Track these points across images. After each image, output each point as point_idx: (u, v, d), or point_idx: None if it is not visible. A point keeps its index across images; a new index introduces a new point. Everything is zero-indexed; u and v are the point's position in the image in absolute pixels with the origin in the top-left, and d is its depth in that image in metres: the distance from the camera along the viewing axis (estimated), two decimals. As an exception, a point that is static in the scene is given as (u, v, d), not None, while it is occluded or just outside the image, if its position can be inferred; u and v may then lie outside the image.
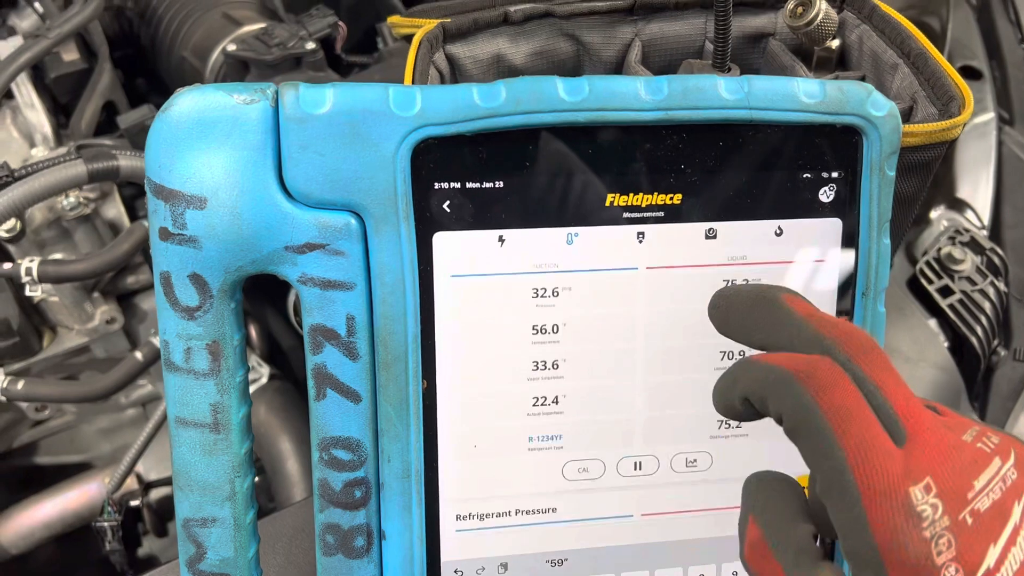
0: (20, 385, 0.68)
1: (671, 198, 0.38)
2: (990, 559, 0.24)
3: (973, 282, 0.68)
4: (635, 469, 0.41)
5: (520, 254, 0.38)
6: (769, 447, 0.42)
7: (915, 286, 0.69)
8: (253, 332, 0.77)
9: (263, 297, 0.79)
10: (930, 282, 0.68)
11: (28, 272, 0.64)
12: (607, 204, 0.38)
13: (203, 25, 0.83)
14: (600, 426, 0.40)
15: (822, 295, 0.41)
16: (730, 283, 0.40)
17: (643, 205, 0.38)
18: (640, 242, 0.39)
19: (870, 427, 0.25)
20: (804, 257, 0.40)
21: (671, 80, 0.37)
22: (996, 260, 0.70)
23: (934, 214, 0.75)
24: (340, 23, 0.80)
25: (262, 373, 0.74)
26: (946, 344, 0.65)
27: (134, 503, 0.74)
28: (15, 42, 0.79)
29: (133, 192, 0.78)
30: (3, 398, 0.68)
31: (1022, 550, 0.25)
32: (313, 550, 0.39)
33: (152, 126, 0.34)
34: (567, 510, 0.41)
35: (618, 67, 0.55)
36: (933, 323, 0.67)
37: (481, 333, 0.38)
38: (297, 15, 0.81)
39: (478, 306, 0.38)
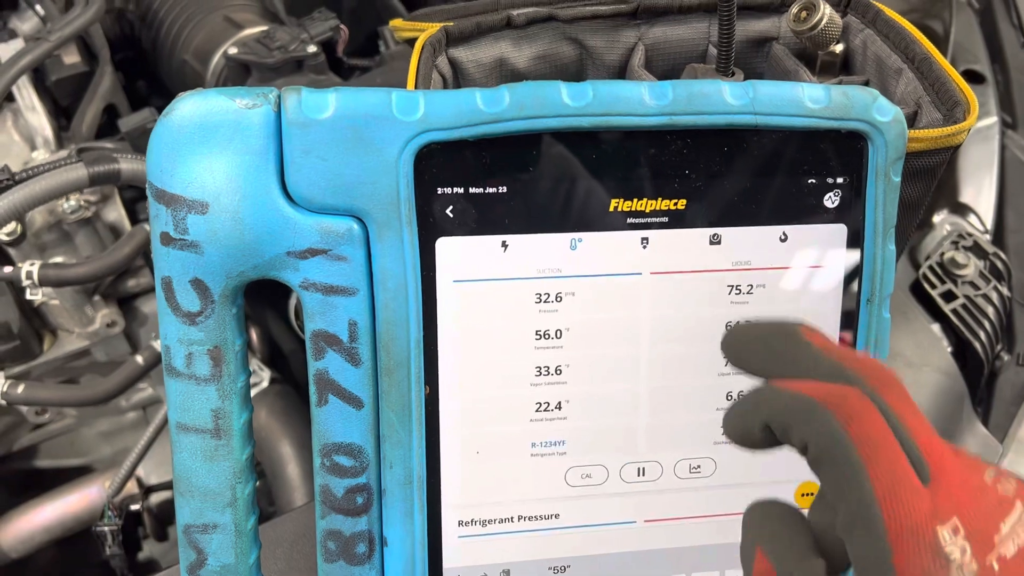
0: (20, 389, 0.68)
1: (675, 203, 0.38)
2: None
3: (976, 287, 0.68)
4: (638, 475, 0.41)
5: (523, 259, 0.37)
6: (772, 455, 0.41)
7: (918, 290, 0.69)
8: (254, 335, 0.77)
9: (264, 300, 0.79)
10: (933, 286, 0.68)
11: (29, 276, 0.64)
12: (611, 209, 0.38)
13: (204, 28, 0.83)
14: (603, 432, 0.40)
15: (826, 301, 0.40)
16: (734, 288, 0.40)
17: (647, 210, 0.38)
18: (644, 247, 0.38)
19: (899, 461, 0.25)
20: (809, 263, 0.40)
21: (675, 85, 0.36)
22: (999, 264, 0.70)
23: (937, 218, 0.75)
24: (342, 26, 0.80)
25: (263, 377, 0.74)
26: (949, 349, 0.65)
27: (134, 507, 0.74)
28: (16, 45, 0.79)
29: (134, 195, 0.78)
30: (3, 402, 0.67)
31: None
32: (314, 555, 0.39)
33: (154, 131, 0.34)
34: (570, 516, 0.41)
35: (621, 71, 0.55)
36: (936, 328, 0.66)
37: (484, 338, 0.38)
38: (298, 18, 0.81)
39: (481, 311, 0.38)
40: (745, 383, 0.42)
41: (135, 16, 0.91)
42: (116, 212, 0.74)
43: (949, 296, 0.68)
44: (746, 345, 0.30)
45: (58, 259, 0.72)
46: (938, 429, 0.59)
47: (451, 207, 0.36)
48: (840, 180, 0.39)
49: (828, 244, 0.40)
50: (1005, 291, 0.69)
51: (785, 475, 0.42)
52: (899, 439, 0.25)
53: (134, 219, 0.76)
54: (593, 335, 0.39)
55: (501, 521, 0.40)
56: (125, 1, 0.91)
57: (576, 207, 0.37)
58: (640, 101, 0.36)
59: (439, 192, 0.36)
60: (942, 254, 0.70)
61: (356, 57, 0.84)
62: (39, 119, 0.76)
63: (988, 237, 0.74)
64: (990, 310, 0.67)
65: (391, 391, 0.37)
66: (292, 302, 0.73)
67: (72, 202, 0.70)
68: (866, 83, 0.52)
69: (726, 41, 0.47)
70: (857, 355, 0.28)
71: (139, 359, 0.71)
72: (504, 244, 0.37)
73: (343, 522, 0.38)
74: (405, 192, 0.35)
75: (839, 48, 0.53)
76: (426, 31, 0.50)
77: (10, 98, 0.77)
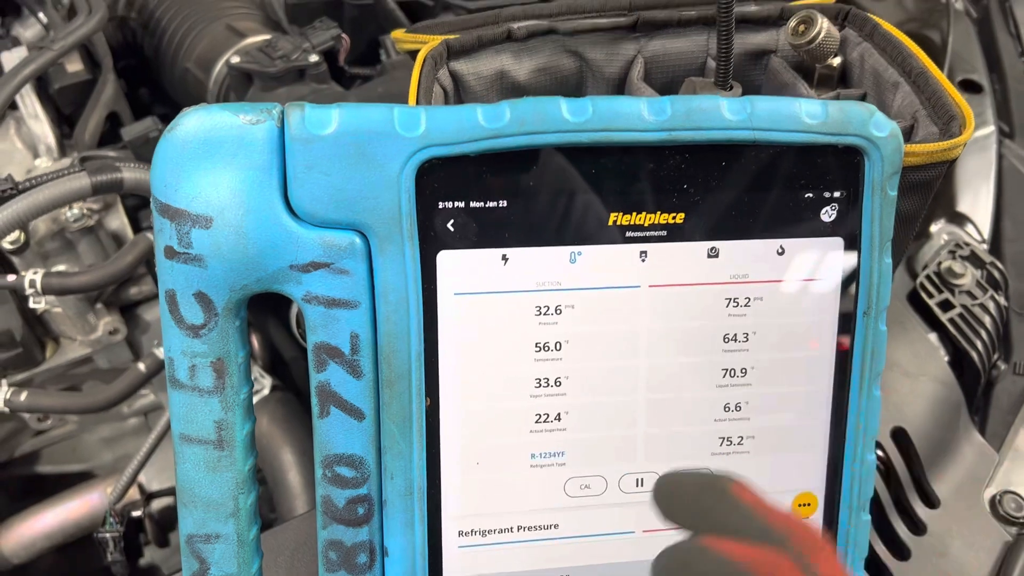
0: (23, 396, 0.68)
1: (674, 217, 0.38)
2: None
3: (973, 296, 0.69)
4: (637, 486, 0.41)
5: (523, 272, 0.38)
6: (770, 464, 0.42)
7: (915, 300, 0.69)
8: (255, 343, 0.77)
9: (266, 308, 0.79)
10: (930, 296, 0.68)
11: (32, 284, 0.65)
12: (610, 223, 0.38)
13: (207, 36, 0.83)
14: (602, 443, 0.40)
15: (823, 314, 0.41)
16: (732, 301, 0.40)
17: (646, 224, 0.38)
18: (643, 261, 0.39)
19: None
20: (806, 276, 0.40)
21: (674, 101, 0.37)
22: (996, 274, 0.70)
23: (934, 228, 0.75)
24: (343, 35, 0.80)
25: (264, 384, 0.74)
26: (946, 358, 0.65)
27: (136, 513, 0.74)
28: (19, 52, 0.80)
29: (136, 203, 0.78)
30: (6, 409, 0.68)
31: None
32: (315, 564, 0.39)
33: (158, 145, 0.34)
34: (569, 526, 0.41)
35: (621, 83, 0.55)
36: (933, 337, 0.67)
37: (484, 351, 0.38)
38: (300, 27, 0.82)
39: (481, 324, 0.38)
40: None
41: (138, 24, 0.92)
42: (119, 220, 0.75)
43: (946, 305, 0.68)
44: (678, 499, 0.30)
45: (61, 267, 0.73)
46: (935, 438, 0.59)
47: (452, 221, 0.36)
48: (837, 194, 0.40)
49: (825, 257, 0.40)
50: (1002, 300, 0.69)
51: (783, 485, 0.42)
52: None
53: (136, 227, 0.77)
54: (592, 347, 0.39)
55: (501, 531, 0.40)
56: (128, 9, 0.92)
57: (575, 221, 0.38)
58: (639, 117, 0.36)
59: (440, 206, 0.36)
60: (939, 263, 0.70)
61: (357, 66, 0.85)
62: (42, 127, 0.76)
63: (985, 246, 0.75)
64: (987, 319, 0.67)
65: (392, 403, 0.37)
66: (294, 310, 0.74)
67: (75, 211, 0.70)
68: (863, 96, 0.53)
69: (725, 55, 0.48)
70: (789, 516, 0.28)
71: (141, 366, 0.71)
72: (504, 257, 0.37)
73: (344, 532, 0.38)
74: (407, 206, 0.35)
75: (837, 61, 0.53)
76: (428, 44, 0.50)
77: (13, 106, 0.77)
